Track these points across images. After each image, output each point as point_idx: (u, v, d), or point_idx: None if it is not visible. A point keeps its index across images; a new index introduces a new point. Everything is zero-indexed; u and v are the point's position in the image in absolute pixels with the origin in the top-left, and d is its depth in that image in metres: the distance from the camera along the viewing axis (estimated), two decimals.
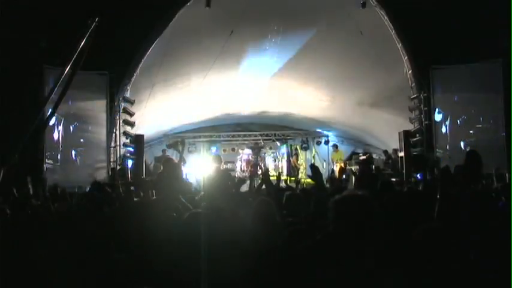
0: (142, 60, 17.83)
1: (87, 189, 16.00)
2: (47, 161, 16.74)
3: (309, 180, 21.45)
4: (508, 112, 16.63)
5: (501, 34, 15.32)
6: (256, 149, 25.22)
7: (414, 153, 18.66)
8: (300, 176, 23.28)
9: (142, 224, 5.29)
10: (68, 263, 4.42)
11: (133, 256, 4.66)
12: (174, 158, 15.58)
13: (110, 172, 17.95)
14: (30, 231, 5.05)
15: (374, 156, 23.08)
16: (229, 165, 25.02)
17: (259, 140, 26.34)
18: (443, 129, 18.55)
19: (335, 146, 24.77)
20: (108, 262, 4.41)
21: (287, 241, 4.38)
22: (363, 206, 3.35)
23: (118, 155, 18.59)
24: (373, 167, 18.97)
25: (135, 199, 8.07)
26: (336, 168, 22.96)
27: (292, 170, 23.42)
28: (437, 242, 3.26)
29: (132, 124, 19.15)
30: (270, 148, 27.11)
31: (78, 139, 17.85)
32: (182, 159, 10.08)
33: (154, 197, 7.91)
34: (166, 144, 23.70)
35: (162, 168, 9.45)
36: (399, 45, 18.16)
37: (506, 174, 14.68)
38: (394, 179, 16.50)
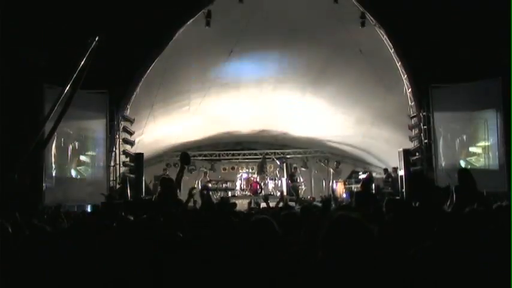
0: (142, 79, 17.86)
1: (87, 208, 16.02)
2: (46, 179, 16.68)
3: None
4: (507, 130, 16.62)
5: (500, 52, 15.37)
6: (262, 162, 25.25)
7: (415, 168, 18.63)
8: (300, 195, 23.21)
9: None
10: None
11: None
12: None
13: (109, 191, 17.89)
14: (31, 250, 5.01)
15: (374, 174, 23.05)
16: (229, 184, 24.97)
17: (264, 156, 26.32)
18: (443, 148, 18.51)
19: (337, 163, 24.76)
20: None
21: (288, 262, 4.32)
22: (355, 231, 3.16)
23: (117, 174, 18.55)
24: (373, 186, 18.93)
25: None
26: (337, 187, 22.93)
27: (293, 189, 23.33)
28: (432, 260, 3.20)
29: (131, 143, 19.14)
30: (270, 167, 27.08)
31: (78, 158, 17.80)
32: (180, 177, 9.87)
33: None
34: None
35: (159, 188, 9.34)
36: (399, 64, 18.21)
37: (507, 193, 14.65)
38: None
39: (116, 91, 18.07)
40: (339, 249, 3.10)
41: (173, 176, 10.38)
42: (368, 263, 3.08)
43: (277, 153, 27.56)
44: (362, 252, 3.08)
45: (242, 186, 24.91)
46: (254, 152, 27.33)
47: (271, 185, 25.00)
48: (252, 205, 18.19)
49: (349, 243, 3.09)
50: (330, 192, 23.38)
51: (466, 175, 8.37)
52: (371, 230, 3.16)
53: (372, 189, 17.50)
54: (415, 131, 19.28)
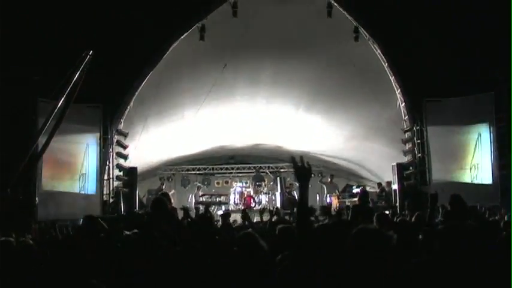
0: (136, 93, 17.85)
1: (80, 222, 15.89)
2: (38, 194, 16.55)
3: None
4: (502, 145, 16.68)
5: (493, 66, 15.46)
6: (257, 176, 25.24)
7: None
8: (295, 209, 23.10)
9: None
10: None
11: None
12: (169, 192, 15.44)
13: (102, 205, 17.81)
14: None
15: (368, 188, 23.01)
16: (223, 198, 24.87)
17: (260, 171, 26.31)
18: (437, 162, 18.51)
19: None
20: None
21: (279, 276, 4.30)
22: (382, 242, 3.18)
23: (111, 188, 18.48)
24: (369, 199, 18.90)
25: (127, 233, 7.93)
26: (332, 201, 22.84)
27: (289, 202, 23.22)
28: (424, 276, 3.20)
29: (125, 157, 19.07)
30: (263, 181, 27.01)
31: (71, 172, 17.72)
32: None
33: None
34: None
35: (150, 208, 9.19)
36: (392, 78, 18.28)
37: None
38: (387, 212, 16.41)
39: (110, 105, 18.05)
40: (366, 259, 3.13)
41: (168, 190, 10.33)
42: (389, 270, 3.11)
43: (271, 167, 27.53)
44: (386, 260, 3.12)
45: (236, 200, 24.83)
46: (248, 166, 27.29)
47: (264, 199, 24.92)
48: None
49: (375, 252, 3.13)
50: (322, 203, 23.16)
51: (458, 200, 8.42)
52: (391, 238, 3.22)
53: (369, 202, 17.47)
54: (408, 145, 19.32)
